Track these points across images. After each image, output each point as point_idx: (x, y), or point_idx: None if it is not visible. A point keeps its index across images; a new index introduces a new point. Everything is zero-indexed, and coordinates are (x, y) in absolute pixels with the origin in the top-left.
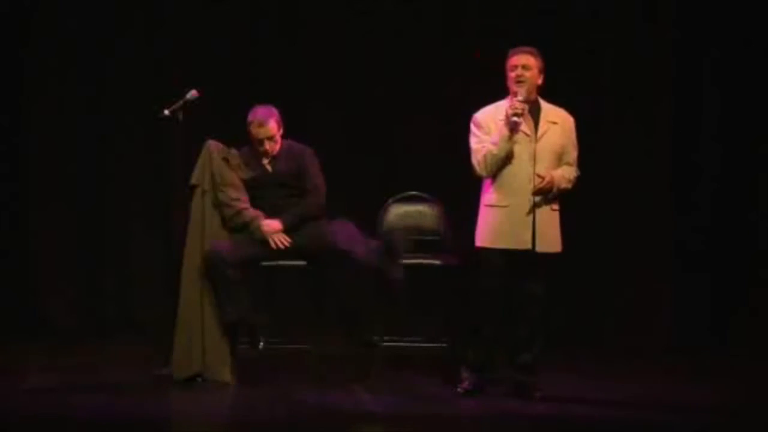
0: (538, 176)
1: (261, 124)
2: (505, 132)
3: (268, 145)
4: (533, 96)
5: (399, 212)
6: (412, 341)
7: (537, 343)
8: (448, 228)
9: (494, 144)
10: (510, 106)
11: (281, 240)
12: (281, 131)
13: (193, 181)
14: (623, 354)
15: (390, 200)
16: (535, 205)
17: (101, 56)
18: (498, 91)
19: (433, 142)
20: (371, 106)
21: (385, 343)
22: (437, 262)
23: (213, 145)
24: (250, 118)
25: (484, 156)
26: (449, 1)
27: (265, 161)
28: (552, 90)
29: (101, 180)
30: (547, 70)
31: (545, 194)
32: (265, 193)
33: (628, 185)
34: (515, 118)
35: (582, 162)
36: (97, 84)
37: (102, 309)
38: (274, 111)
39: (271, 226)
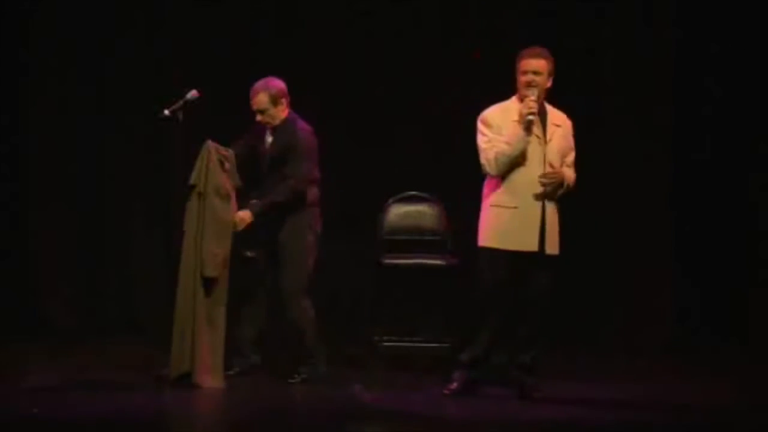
0: (550, 166)
1: (252, 95)
2: (521, 132)
3: (260, 117)
4: (541, 99)
5: (399, 212)
6: (412, 341)
7: (537, 344)
8: (448, 228)
9: (508, 144)
10: (524, 105)
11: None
12: (281, 107)
13: (192, 181)
14: (623, 354)
15: (390, 200)
16: (545, 207)
17: (101, 56)
18: (498, 91)
19: (433, 142)
20: (371, 106)
21: (385, 343)
22: (437, 262)
23: (212, 146)
24: None
25: (496, 155)
26: (449, 1)
27: (268, 134)
28: (553, 90)
29: (101, 180)
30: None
31: (552, 186)
32: (261, 165)
33: (629, 185)
34: (530, 117)
35: (582, 162)
36: (97, 84)
37: (102, 309)
38: (272, 84)
39: (241, 216)
